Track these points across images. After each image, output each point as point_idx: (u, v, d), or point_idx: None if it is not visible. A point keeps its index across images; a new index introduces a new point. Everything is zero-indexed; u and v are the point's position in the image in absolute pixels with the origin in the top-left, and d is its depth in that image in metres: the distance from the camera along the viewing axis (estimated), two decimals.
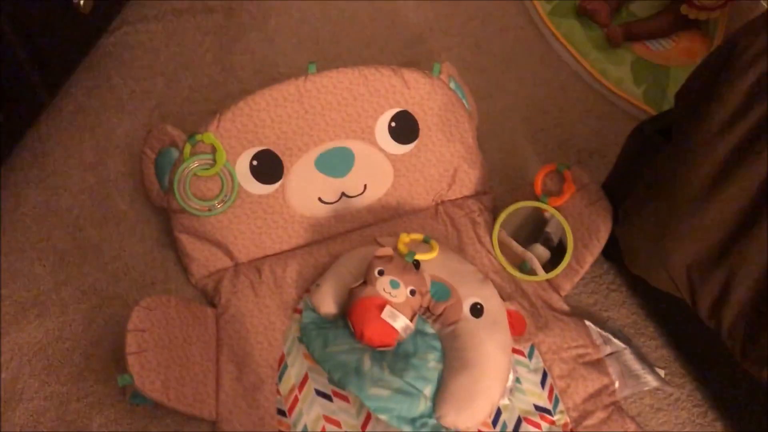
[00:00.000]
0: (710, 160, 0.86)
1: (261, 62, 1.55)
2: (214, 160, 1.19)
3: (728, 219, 0.87)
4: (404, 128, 1.28)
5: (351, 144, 1.26)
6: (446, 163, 1.33)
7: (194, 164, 1.19)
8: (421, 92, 1.28)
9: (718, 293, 0.91)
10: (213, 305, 1.21)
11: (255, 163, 1.22)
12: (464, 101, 1.35)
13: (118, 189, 1.35)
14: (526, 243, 1.29)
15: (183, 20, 1.58)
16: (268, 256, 1.27)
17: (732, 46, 0.85)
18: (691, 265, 0.93)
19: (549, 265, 1.26)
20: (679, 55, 1.58)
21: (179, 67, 1.52)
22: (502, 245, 1.30)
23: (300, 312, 1.19)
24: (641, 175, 1.05)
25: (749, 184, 0.84)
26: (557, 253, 1.25)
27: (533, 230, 1.30)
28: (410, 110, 1.28)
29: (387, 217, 1.32)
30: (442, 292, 1.15)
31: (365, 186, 1.29)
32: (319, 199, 1.28)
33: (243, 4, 1.62)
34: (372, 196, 1.31)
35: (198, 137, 1.18)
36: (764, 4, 1.45)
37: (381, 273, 1.11)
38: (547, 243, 1.28)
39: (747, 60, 0.82)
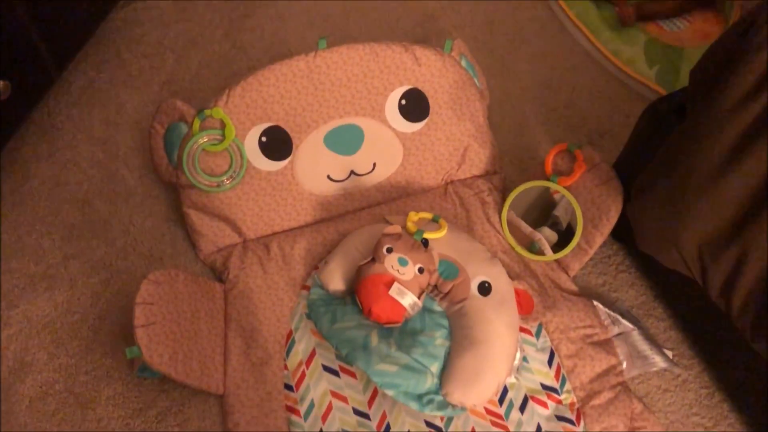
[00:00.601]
0: (724, 138, 0.85)
1: (271, 39, 1.54)
2: (223, 136, 1.18)
3: (741, 198, 0.86)
4: (414, 106, 1.27)
5: (360, 121, 1.25)
6: (456, 142, 1.32)
7: (203, 139, 1.18)
8: (432, 69, 1.27)
9: (730, 273, 0.91)
10: (221, 281, 1.21)
11: (264, 139, 1.21)
12: (475, 80, 1.34)
13: (127, 164, 1.34)
14: (535, 226, 1.28)
15: None
16: (276, 233, 1.27)
17: (750, 22, 0.84)
18: (703, 244, 0.92)
19: (557, 249, 1.25)
20: (694, 36, 1.56)
21: (189, 43, 1.52)
22: (511, 225, 1.29)
23: (308, 289, 1.19)
24: (653, 154, 1.04)
25: (762, 163, 0.83)
26: (565, 236, 1.25)
27: (541, 213, 1.30)
28: (421, 88, 1.27)
29: (396, 196, 1.32)
30: (451, 270, 1.15)
31: (374, 164, 1.29)
32: (328, 177, 1.27)
33: None
34: (381, 175, 1.30)
35: (207, 112, 1.18)
36: None
37: (389, 251, 1.11)
38: (555, 227, 1.28)
39: (764, 36, 0.81)
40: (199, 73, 1.48)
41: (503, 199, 1.30)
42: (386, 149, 1.29)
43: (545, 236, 1.26)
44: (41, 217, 1.28)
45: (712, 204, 0.89)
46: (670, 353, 1.19)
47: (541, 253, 1.26)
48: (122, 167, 1.34)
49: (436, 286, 1.14)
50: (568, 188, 1.23)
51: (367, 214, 1.29)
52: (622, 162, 1.21)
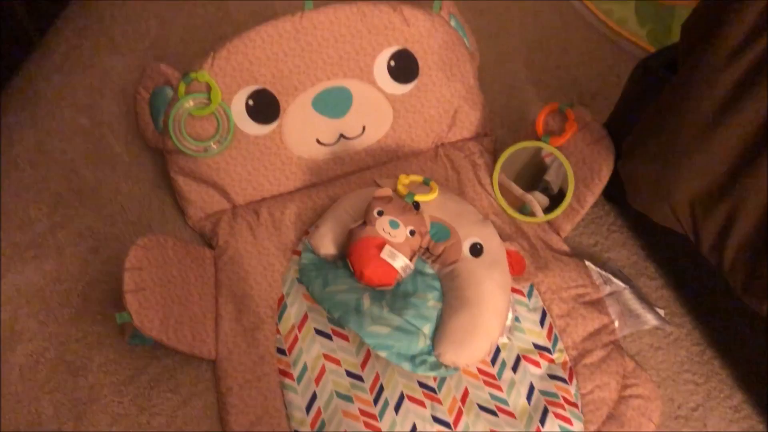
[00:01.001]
0: (715, 92, 0.84)
1: (256, 2, 1.51)
2: (209, 99, 1.17)
3: (733, 151, 0.85)
4: (404, 67, 1.26)
5: (349, 83, 1.23)
6: (446, 104, 1.30)
7: (189, 103, 1.16)
8: (421, 30, 1.24)
9: (721, 227, 0.90)
10: (211, 247, 1.20)
11: (251, 102, 1.19)
12: (465, 40, 1.32)
13: (112, 131, 1.33)
14: (526, 191, 1.27)
15: None
16: (265, 198, 1.26)
17: None
18: (695, 199, 0.91)
19: (548, 213, 1.25)
20: None
21: (173, 7, 1.49)
22: (502, 188, 1.28)
23: (299, 254, 1.18)
24: (645, 111, 1.03)
25: (755, 115, 0.82)
26: (556, 201, 1.24)
27: (532, 178, 1.29)
28: (410, 48, 1.25)
29: (386, 160, 1.30)
30: (442, 232, 1.14)
31: (364, 127, 1.27)
32: (317, 141, 1.26)
33: None
34: (371, 138, 1.28)
35: (192, 75, 1.15)
36: None
37: (380, 213, 1.10)
38: (546, 192, 1.27)
39: None
40: (183, 38, 1.46)
41: (494, 161, 1.29)
42: (376, 112, 1.27)
43: (536, 201, 1.26)
44: (27, 185, 1.26)
45: (704, 158, 0.88)
46: (662, 311, 1.19)
47: (532, 215, 1.26)
48: (108, 134, 1.32)
49: (427, 249, 1.14)
50: (559, 148, 1.22)
51: (358, 178, 1.28)
52: (614, 121, 1.20)
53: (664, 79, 0.99)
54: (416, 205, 1.16)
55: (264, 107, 1.21)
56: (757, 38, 0.80)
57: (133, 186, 1.27)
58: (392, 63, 1.25)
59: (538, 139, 1.25)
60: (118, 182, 1.27)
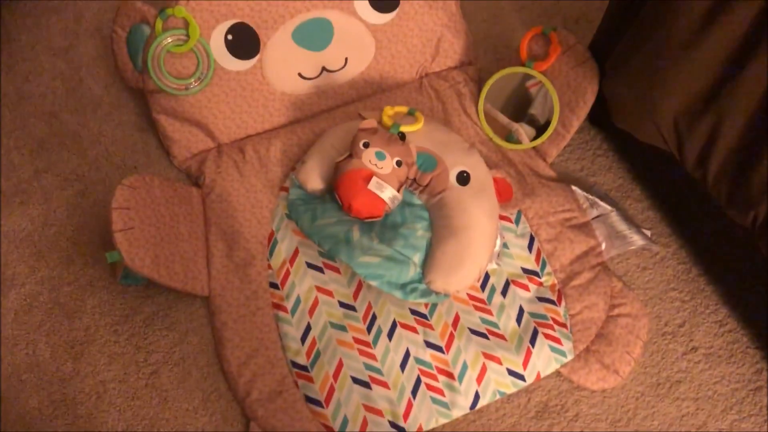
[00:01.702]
0: (695, 6, 0.84)
1: None
2: (188, 36, 1.14)
3: (714, 65, 0.85)
4: None
5: (329, 14, 1.21)
6: (429, 33, 1.28)
7: (167, 40, 1.14)
8: None
9: (705, 142, 0.91)
10: (197, 186, 1.19)
11: (230, 37, 1.17)
12: None
13: (91, 73, 1.30)
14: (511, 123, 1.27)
15: None
16: (250, 136, 1.25)
17: None
18: (679, 114, 0.91)
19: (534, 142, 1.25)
20: None
21: None
22: (488, 117, 1.28)
23: (286, 190, 1.18)
24: (628, 29, 1.02)
25: (735, 27, 0.81)
26: (542, 131, 1.23)
27: (518, 109, 1.28)
28: None
29: (370, 92, 1.29)
30: (429, 162, 1.14)
31: (346, 60, 1.25)
32: (300, 75, 1.24)
33: None
34: (354, 70, 1.27)
35: (169, 11, 1.13)
36: None
37: (366, 145, 1.09)
38: (532, 123, 1.26)
39: None
40: None
41: (479, 90, 1.29)
42: (357, 43, 1.25)
43: (523, 131, 1.25)
44: (7, 132, 1.24)
45: (686, 73, 0.88)
46: (648, 232, 1.20)
47: (518, 142, 1.26)
48: (86, 77, 1.30)
49: (415, 179, 1.14)
50: (543, 73, 1.21)
51: (342, 112, 1.27)
52: (598, 42, 1.19)
53: None
54: (402, 136, 1.15)
55: (243, 42, 1.18)
56: None
57: (115, 128, 1.26)
58: None
59: (522, 65, 1.24)
60: (100, 125, 1.26)
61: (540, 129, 1.25)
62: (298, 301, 1.08)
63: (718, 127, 0.88)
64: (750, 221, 0.90)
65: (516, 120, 1.27)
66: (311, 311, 1.07)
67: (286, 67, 1.22)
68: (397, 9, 1.24)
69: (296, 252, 1.12)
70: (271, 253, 1.13)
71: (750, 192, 0.87)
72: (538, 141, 1.23)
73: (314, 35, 1.22)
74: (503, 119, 1.28)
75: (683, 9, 0.85)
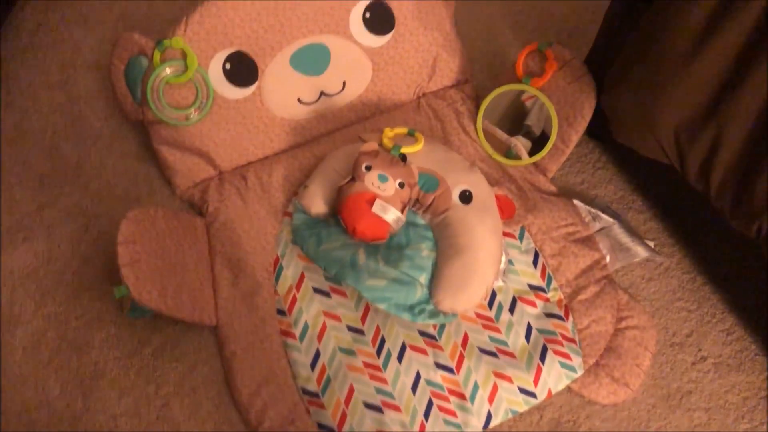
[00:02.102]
0: (693, 18, 0.84)
1: None
2: (186, 66, 1.15)
3: (714, 77, 0.86)
4: (379, 18, 1.24)
5: (326, 39, 1.22)
6: (425, 53, 1.29)
7: (165, 71, 1.15)
8: None
9: (707, 154, 0.91)
10: (201, 215, 1.20)
11: (228, 66, 1.18)
12: None
13: (90, 106, 1.31)
14: (508, 135, 1.28)
15: None
16: (251, 162, 1.25)
17: None
18: (679, 126, 0.92)
19: (532, 155, 1.25)
20: None
21: None
22: (487, 134, 1.29)
23: (290, 215, 1.18)
24: (624, 42, 1.02)
25: (733, 39, 0.82)
26: (539, 143, 1.24)
27: (514, 123, 1.29)
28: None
29: (369, 114, 1.30)
30: (431, 182, 1.15)
31: (344, 83, 1.26)
32: (299, 100, 1.25)
33: None
34: (352, 93, 1.28)
35: (166, 43, 1.13)
36: None
37: (368, 168, 1.10)
38: (528, 135, 1.27)
39: None
40: (153, 4, 1.43)
41: (477, 108, 1.29)
42: (355, 66, 1.26)
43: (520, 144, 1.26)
44: (8, 168, 1.25)
45: (686, 86, 0.88)
46: (651, 243, 1.21)
47: (517, 158, 1.26)
48: (86, 109, 1.30)
49: (417, 199, 1.14)
50: (540, 89, 1.22)
51: (342, 135, 1.27)
52: (594, 56, 1.20)
53: (641, 10, 0.99)
54: (403, 157, 1.16)
55: (242, 69, 1.19)
56: None
57: (117, 160, 1.26)
58: (367, 15, 1.23)
59: (519, 81, 1.25)
60: (101, 158, 1.26)
61: (536, 141, 1.26)
62: (306, 328, 1.08)
63: (719, 139, 0.88)
64: (755, 232, 0.90)
65: (512, 132, 1.28)
66: (320, 337, 1.07)
67: (284, 93, 1.23)
68: (393, 31, 1.25)
69: (302, 277, 1.12)
70: (277, 280, 1.13)
71: (754, 203, 0.88)
72: (538, 156, 1.23)
73: (312, 60, 1.23)
74: (501, 135, 1.28)
75: (680, 23, 0.86)
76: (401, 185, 1.10)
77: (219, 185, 1.21)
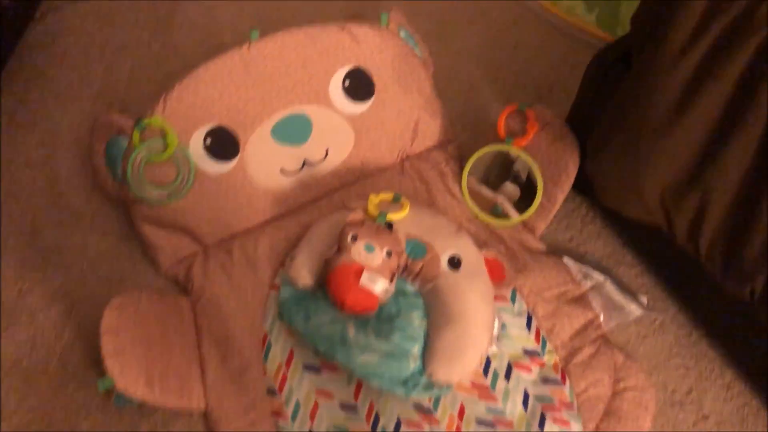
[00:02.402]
0: (673, 83, 0.84)
1: (202, 33, 1.48)
2: (166, 144, 1.14)
3: (697, 140, 0.86)
4: (359, 85, 1.24)
5: (306, 109, 1.22)
6: (406, 116, 1.29)
7: (145, 151, 1.14)
8: (371, 46, 1.24)
9: (694, 216, 0.90)
10: (186, 292, 1.18)
11: (209, 141, 1.17)
12: (416, 50, 1.31)
13: (71, 186, 1.29)
14: (496, 183, 1.27)
15: (112, 1, 1.50)
16: (236, 234, 1.24)
17: None
18: (665, 190, 0.91)
19: (520, 203, 1.25)
20: None
21: (117, 49, 1.45)
22: (472, 192, 1.28)
23: (277, 288, 1.16)
24: (604, 105, 1.03)
25: (714, 103, 0.82)
26: (527, 188, 1.24)
27: (501, 170, 1.29)
28: (363, 66, 1.24)
29: (353, 180, 1.29)
30: (418, 249, 1.13)
31: (327, 151, 1.26)
32: (282, 170, 1.24)
33: None
34: (335, 160, 1.27)
35: (145, 121, 1.13)
36: None
37: (354, 238, 1.08)
38: (516, 180, 1.27)
39: None
40: (132, 79, 1.42)
41: (461, 168, 1.29)
42: (337, 134, 1.26)
43: (508, 192, 1.26)
44: None
45: (668, 153, 0.88)
46: (644, 299, 1.20)
47: (505, 215, 1.26)
48: (66, 190, 1.29)
49: (406, 267, 1.13)
50: (524, 148, 1.22)
51: (327, 203, 1.26)
52: (574, 115, 1.20)
53: (619, 72, 0.99)
54: (389, 225, 1.15)
55: (223, 144, 1.18)
56: (706, 30, 0.81)
57: (99, 240, 1.24)
58: (347, 83, 1.23)
59: (501, 141, 1.25)
60: (83, 238, 1.24)
61: (524, 186, 1.25)
62: (297, 407, 1.05)
63: (705, 204, 0.88)
64: (747, 294, 0.89)
65: (501, 177, 1.27)
66: (312, 416, 1.05)
67: (267, 165, 1.22)
68: (373, 97, 1.25)
69: (291, 354, 1.10)
70: (266, 357, 1.10)
71: (745, 265, 0.87)
72: (525, 216, 1.23)
73: (293, 131, 1.22)
74: (487, 193, 1.28)
75: (660, 88, 0.86)
76: (389, 254, 1.08)
77: (204, 261, 1.19)
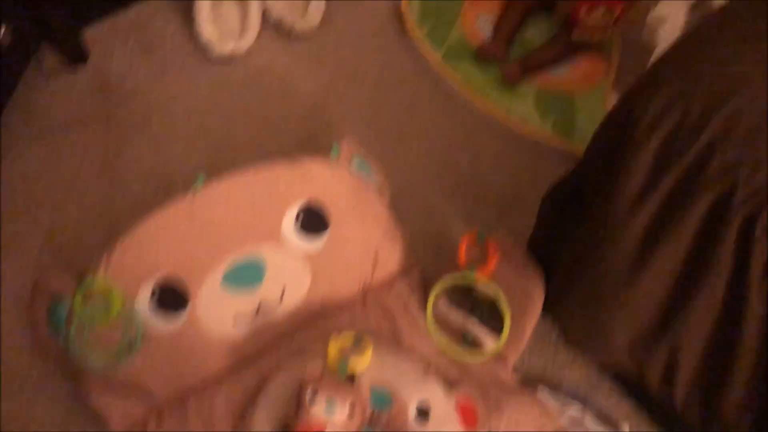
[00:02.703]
0: (630, 236, 0.81)
1: (150, 169, 1.44)
2: (110, 305, 1.08)
3: (660, 293, 0.82)
4: (312, 220, 1.21)
5: (258, 251, 1.17)
6: (365, 247, 1.25)
7: (88, 314, 1.07)
8: (323, 180, 1.21)
9: (666, 367, 0.86)
10: None
11: (156, 296, 1.11)
12: (371, 176, 1.28)
13: (13, 347, 1.21)
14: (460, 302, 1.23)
15: (57, 138, 1.46)
16: (191, 388, 1.16)
17: (627, 111, 0.80)
18: (633, 341, 0.87)
19: (487, 325, 1.20)
20: (581, 81, 1.54)
21: (63, 192, 1.40)
22: (441, 318, 1.23)
23: None
24: (564, 238, 0.99)
25: (673, 257, 0.78)
26: (492, 309, 1.19)
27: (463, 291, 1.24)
28: (316, 201, 1.20)
29: (312, 320, 1.23)
30: (383, 399, 1.07)
31: (283, 291, 1.20)
32: (236, 317, 1.18)
33: (119, 108, 1.50)
34: (292, 301, 1.21)
35: (88, 282, 1.07)
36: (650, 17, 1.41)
37: (315, 392, 1.02)
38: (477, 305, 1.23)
39: (645, 129, 0.77)
40: (80, 221, 1.37)
41: (425, 295, 1.24)
42: (292, 273, 1.21)
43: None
44: None
45: (633, 303, 0.84)
46: (626, 426, 1.13)
47: (476, 341, 1.20)
48: (9, 353, 1.21)
49: (371, 419, 1.06)
50: (487, 278, 1.18)
51: (286, 348, 1.19)
52: (535, 241, 1.17)
53: (575, 211, 0.95)
54: (351, 377, 1.08)
55: (171, 297, 1.13)
56: (659, 180, 0.78)
57: (46, 410, 1.16)
58: (300, 219, 1.20)
59: (463, 269, 1.21)
60: (29, 406, 1.16)
61: (487, 309, 1.20)
62: None
63: (676, 356, 0.83)
64: None
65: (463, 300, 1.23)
66: None
67: (220, 313, 1.16)
68: (328, 230, 1.21)
69: None
70: None
71: (723, 417, 0.82)
72: (496, 348, 1.17)
73: (246, 275, 1.17)
74: (456, 319, 1.23)
75: (617, 241, 0.83)
76: (352, 407, 1.02)
77: (157, 425, 1.12)
